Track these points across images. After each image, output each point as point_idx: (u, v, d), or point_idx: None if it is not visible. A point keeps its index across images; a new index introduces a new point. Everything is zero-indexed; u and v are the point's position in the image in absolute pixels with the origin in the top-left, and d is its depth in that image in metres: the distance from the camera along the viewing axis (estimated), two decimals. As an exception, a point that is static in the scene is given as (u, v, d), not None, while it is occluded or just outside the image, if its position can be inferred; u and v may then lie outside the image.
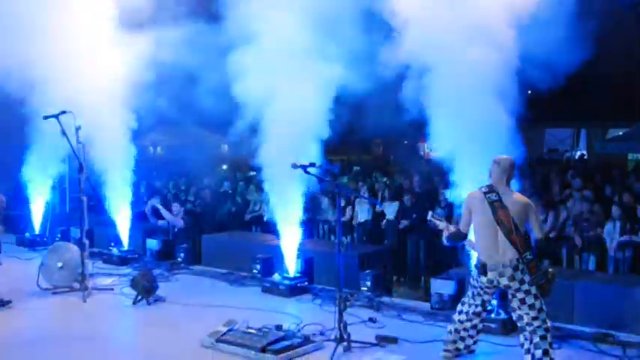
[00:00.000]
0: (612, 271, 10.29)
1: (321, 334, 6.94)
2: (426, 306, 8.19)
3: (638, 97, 23.10)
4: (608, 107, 23.97)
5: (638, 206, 10.76)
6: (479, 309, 6.19)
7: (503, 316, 7.09)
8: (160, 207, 12.40)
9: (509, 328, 6.97)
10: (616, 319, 7.15)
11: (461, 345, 6.30)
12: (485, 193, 5.92)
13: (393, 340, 6.80)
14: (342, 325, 6.50)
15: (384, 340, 6.78)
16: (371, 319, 7.60)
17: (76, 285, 8.90)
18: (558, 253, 11.12)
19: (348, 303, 7.50)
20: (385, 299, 8.43)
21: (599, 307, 7.40)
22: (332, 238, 12.88)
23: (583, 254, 10.84)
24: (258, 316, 7.52)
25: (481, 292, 6.09)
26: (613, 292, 7.55)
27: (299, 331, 6.97)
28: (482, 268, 5.91)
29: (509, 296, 5.93)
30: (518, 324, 5.89)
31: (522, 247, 5.77)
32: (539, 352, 5.70)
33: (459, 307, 6.33)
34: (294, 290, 8.88)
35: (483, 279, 5.93)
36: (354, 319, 7.41)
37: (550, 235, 11.05)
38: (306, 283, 9.06)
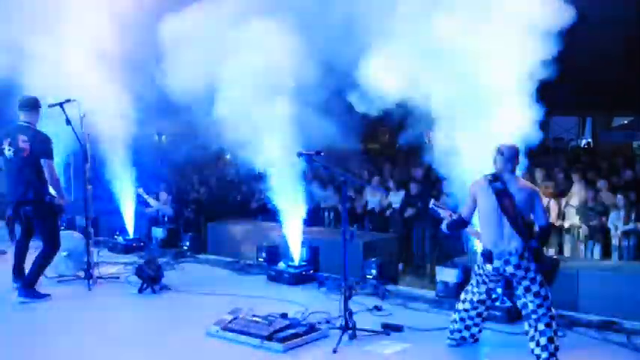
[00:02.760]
0: (617, 260, 10.29)
1: (327, 322, 6.95)
2: (431, 294, 8.20)
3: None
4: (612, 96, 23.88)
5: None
6: (483, 297, 6.20)
7: (508, 304, 7.08)
8: (145, 195, 12.43)
9: (514, 316, 6.98)
10: (620, 307, 7.16)
11: (466, 334, 6.32)
12: (490, 182, 5.90)
13: (399, 329, 6.81)
14: (347, 313, 6.51)
15: (389, 328, 6.79)
16: (376, 307, 7.62)
17: (82, 273, 8.93)
18: (562, 241, 11.13)
19: (353, 291, 7.53)
20: (391, 287, 8.45)
21: (603, 295, 7.41)
22: (338, 226, 12.89)
23: (588, 242, 10.84)
24: (264, 304, 7.55)
25: (486, 281, 6.09)
26: (617, 280, 7.56)
27: (304, 319, 6.98)
28: (488, 257, 5.90)
29: (515, 284, 5.94)
30: (523, 312, 5.90)
31: (527, 235, 5.77)
32: (543, 340, 5.71)
33: (462, 296, 6.34)
34: (299, 278, 8.89)
35: (489, 267, 5.93)
36: (359, 307, 7.43)
37: (556, 224, 11.06)
38: (312, 271, 9.07)
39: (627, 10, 16.96)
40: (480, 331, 6.37)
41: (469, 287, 6.30)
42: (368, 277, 8.63)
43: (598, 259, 10.36)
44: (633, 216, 10.42)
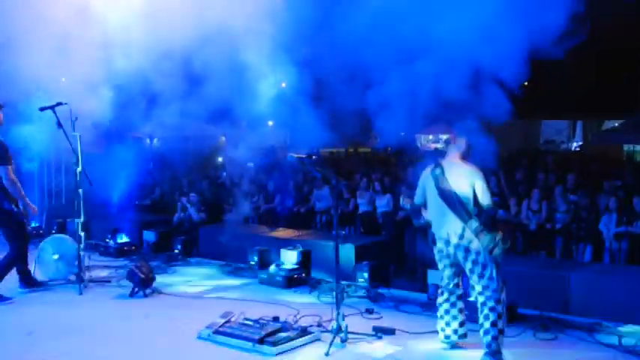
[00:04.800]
0: (608, 262, 10.32)
1: (319, 325, 6.94)
2: (423, 297, 8.21)
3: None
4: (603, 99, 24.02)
5: (634, 197, 10.78)
6: (451, 285, 6.29)
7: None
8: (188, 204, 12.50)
9: (508, 316, 6.99)
10: (612, 310, 7.17)
11: (449, 330, 6.32)
12: (432, 169, 6.18)
13: (391, 331, 6.81)
14: (339, 316, 6.50)
15: (381, 331, 6.79)
16: (368, 310, 7.62)
17: (73, 277, 8.90)
18: (553, 243, 11.16)
19: (345, 294, 7.53)
20: (382, 290, 8.44)
21: (595, 297, 7.43)
22: (329, 229, 12.88)
23: (579, 245, 10.87)
24: (255, 308, 7.53)
25: (441, 264, 6.28)
26: (609, 282, 7.57)
27: (296, 322, 6.97)
28: (432, 239, 6.23)
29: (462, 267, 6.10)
30: (472, 295, 6.03)
31: (466, 216, 5.87)
32: (487, 323, 5.79)
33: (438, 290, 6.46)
34: (291, 282, 8.88)
35: (435, 248, 6.22)
36: (351, 311, 7.43)
37: (546, 226, 11.10)
38: (304, 275, 9.06)
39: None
40: (461, 325, 6.33)
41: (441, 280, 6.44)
42: (360, 280, 8.63)
43: (590, 262, 10.39)
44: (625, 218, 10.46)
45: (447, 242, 6.03)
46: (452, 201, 5.94)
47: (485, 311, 5.83)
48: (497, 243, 5.83)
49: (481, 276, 5.86)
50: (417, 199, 6.46)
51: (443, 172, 6.08)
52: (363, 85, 7.83)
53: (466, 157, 6.18)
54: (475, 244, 5.86)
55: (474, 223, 5.84)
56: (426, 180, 6.29)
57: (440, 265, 6.32)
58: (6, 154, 8.05)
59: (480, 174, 6.04)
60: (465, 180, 5.97)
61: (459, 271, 6.32)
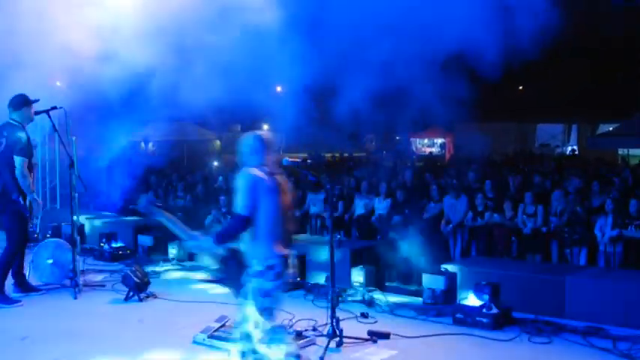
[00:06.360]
0: (603, 266, 10.33)
1: (314, 329, 6.93)
2: (418, 301, 8.21)
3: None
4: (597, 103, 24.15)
5: (629, 200, 10.80)
6: None
7: (494, 310, 7.09)
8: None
9: (501, 322, 7.00)
10: (607, 313, 7.18)
11: None
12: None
13: (386, 336, 6.81)
14: (334, 320, 6.50)
15: (376, 336, 6.79)
16: (363, 315, 7.61)
17: (67, 282, 8.87)
18: (548, 247, 11.17)
19: (340, 298, 7.52)
20: (377, 294, 8.44)
21: (589, 301, 7.44)
22: (324, 233, 12.88)
23: (574, 248, 10.88)
24: (251, 312, 7.52)
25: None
26: (604, 286, 7.58)
27: (291, 326, 6.97)
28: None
29: None
30: None
31: None
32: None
33: None
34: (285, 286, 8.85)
35: None
36: (346, 315, 7.42)
37: (542, 229, 11.11)
38: (299, 279, 9.05)
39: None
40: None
41: None
42: (355, 284, 8.62)
43: (584, 266, 10.39)
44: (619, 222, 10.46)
45: None
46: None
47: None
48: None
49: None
50: None
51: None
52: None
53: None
54: None
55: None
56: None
57: None
58: (27, 148, 8.23)
59: (239, 179, 5.11)
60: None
61: None
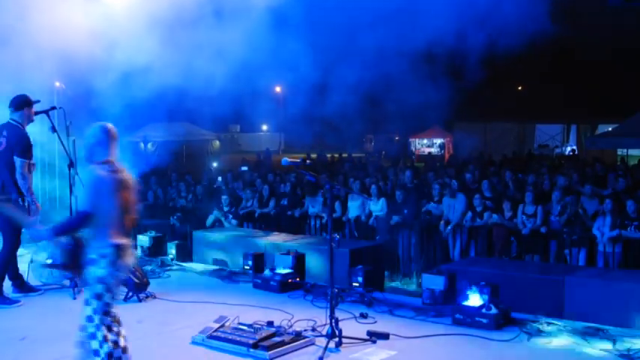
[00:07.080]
0: (602, 266, 10.33)
1: (313, 329, 6.93)
2: (417, 301, 8.21)
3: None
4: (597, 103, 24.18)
5: (627, 201, 10.79)
6: None
7: (493, 310, 7.09)
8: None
9: (500, 322, 7.00)
10: (606, 314, 7.19)
11: None
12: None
13: (385, 336, 6.81)
14: (333, 320, 6.50)
15: (375, 336, 6.78)
16: (362, 315, 7.61)
17: (66, 282, 8.86)
18: (547, 247, 11.16)
19: (339, 299, 7.52)
20: (377, 295, 8.44)
21: (589, 301, 7.44)
22: (323, 234, 12.88)
23: (573, 249, 10.87)
24: (250, 312, 7.53)
25: None
26: (603, 286, 7.59)
27: (290, 327, 6.97)
28: None
29: None
30: None
31: None
32: None
33: None
34: (285, 286, 8.87)
35: None
36: (345, 315, 7.42)
37: (541, 230, 11.10)
38: (298, 279, 9.05)
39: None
40: None
41: None
42: (354, 284, 8.62)
43: (583, 266, 10.39)
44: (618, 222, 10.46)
45: None
46: None
47: None
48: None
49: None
50: None
51: None
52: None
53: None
54: None
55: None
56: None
57: None
58: (28, 149, 8.25)
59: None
60: None
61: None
